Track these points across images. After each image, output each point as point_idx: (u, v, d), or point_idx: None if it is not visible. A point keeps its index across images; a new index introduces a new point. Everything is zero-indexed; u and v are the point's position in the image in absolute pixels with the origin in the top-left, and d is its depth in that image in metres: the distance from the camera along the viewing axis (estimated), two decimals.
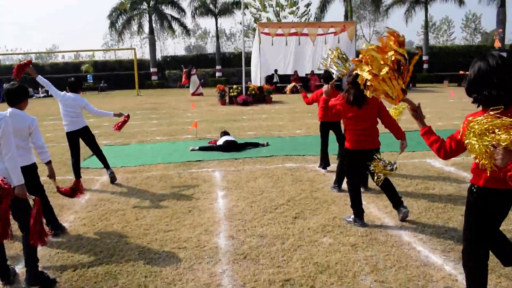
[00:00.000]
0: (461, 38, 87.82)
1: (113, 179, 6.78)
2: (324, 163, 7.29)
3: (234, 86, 20.23)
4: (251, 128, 12.04)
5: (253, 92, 20.06)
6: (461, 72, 30.34)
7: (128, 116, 7.13)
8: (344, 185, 6.06)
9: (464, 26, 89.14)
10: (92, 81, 36.42)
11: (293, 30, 26.76)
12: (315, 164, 7.50)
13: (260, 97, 20.26)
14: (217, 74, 38.60)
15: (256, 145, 9.32)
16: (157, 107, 19.54)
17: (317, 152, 8.42)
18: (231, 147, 8.87)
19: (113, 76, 38.86)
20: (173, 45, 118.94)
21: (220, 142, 9.11)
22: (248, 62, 26.54)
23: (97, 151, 6.88)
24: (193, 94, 26.47)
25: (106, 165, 6.86)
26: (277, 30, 26.53)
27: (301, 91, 7.77)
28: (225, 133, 9.73)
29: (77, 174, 6.67)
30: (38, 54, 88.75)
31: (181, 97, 25.17)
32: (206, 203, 5.56)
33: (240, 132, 11.29)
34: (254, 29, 34.12)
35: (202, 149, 9.09)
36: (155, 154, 8.91)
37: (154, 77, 38.73)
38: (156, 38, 42.93)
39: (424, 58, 37.15)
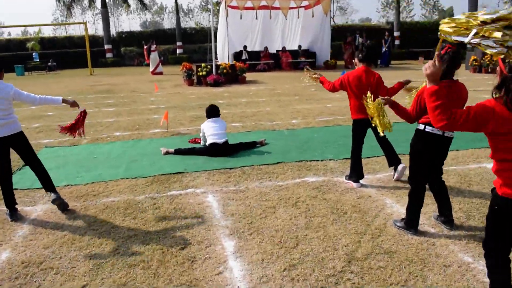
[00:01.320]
0: (420, 15, 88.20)
1: (61, 206, 4.41)
2: (357, 174, 5.12)
3: (203, 64, 17.65)
4: (235, 118, 9.66)
5: (224, 71, 17.64)
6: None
7: (84, 112, 4.76)
8: (421, 225, 3.90)
9: (424, 3, 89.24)
10: (38, 60, 32.68)
11: (263, 3, 24.30)
12: (344, 176, 5.33)
13: (232, 76, 17.87)
14: (178, 51, 35.70)
15: (251, 145, 7.00)
16: (114, 89, 16.73)
17: (335, 153, 6.34)
18: (221, 150, 6.50)
19: (63, 54, 35.10)
20: (127, 21, 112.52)
21: (208, 141, 6.59)
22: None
23: (35, 165, 4.49)
24: (153, 72, 23.77)
25: (49, 186, 4.47)
26: (246, 3, 23.96)
27: (316, 79, 5.44)
28: (211, 110, 6.90)
29: (9, 201, 4.40)
30: None
31: (141, 77, 22.26)
32: (209, 273, 3.20)
33: None
34: (218, 3, 31.31)
35: (179, 152, 6.68)
36: (114, 161, 6.44)
37: (108, 55, 35.35)
38: (109, 13, 39.30)
39: (396, 34, 35.74)
